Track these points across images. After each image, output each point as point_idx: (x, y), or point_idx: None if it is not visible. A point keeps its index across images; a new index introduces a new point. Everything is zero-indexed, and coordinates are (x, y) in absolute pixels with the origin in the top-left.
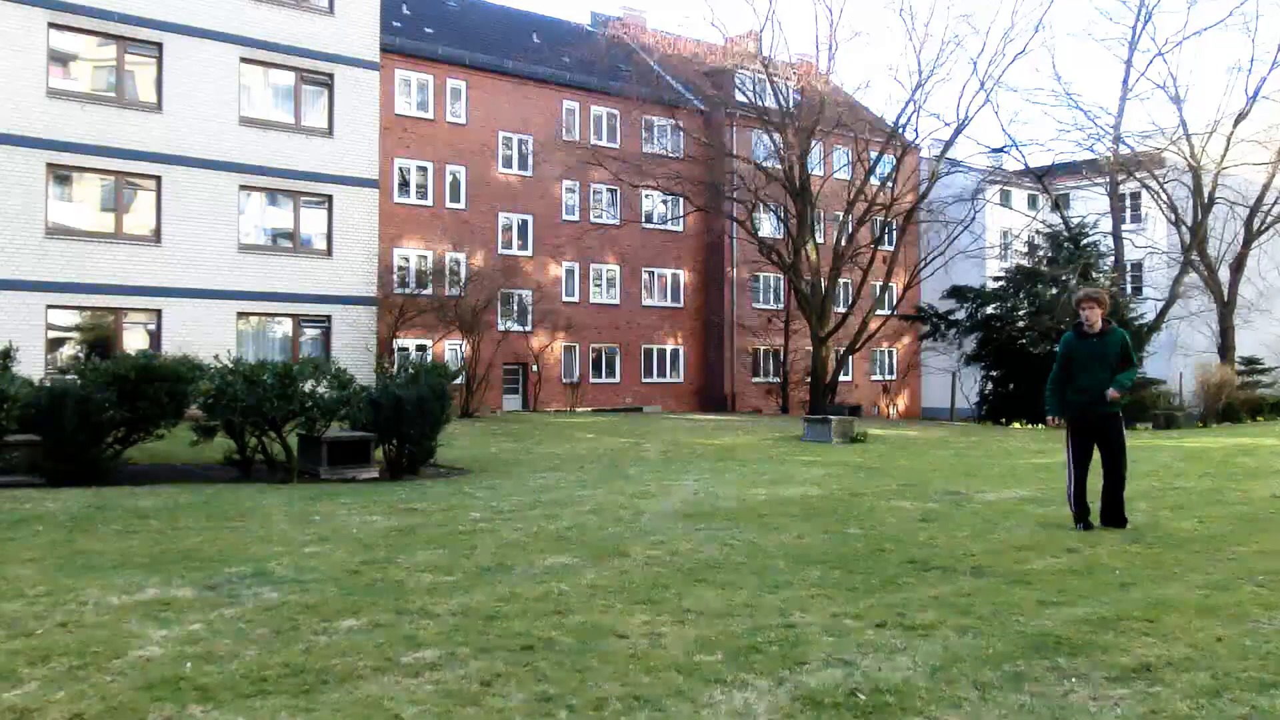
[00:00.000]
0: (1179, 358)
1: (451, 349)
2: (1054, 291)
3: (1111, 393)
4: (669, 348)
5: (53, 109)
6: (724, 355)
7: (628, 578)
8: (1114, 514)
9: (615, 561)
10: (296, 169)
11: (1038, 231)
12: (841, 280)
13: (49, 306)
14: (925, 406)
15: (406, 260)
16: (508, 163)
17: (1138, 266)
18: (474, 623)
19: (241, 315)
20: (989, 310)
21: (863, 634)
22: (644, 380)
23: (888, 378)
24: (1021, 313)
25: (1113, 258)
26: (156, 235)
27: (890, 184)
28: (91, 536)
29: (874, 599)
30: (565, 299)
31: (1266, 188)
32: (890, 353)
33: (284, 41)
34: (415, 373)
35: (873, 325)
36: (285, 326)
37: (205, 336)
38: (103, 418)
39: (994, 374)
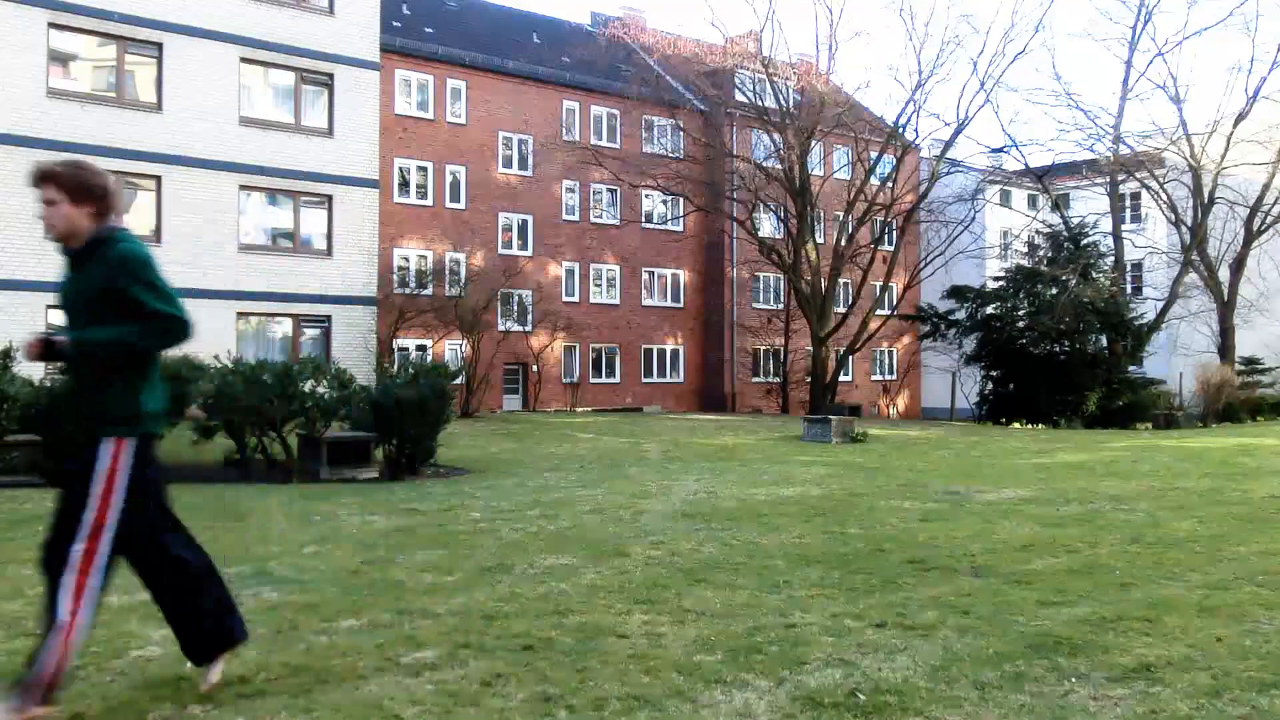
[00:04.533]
0: (1179, 358)
1: (451, 349)
2: (1054, 291)
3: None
4: (669, 348)
5: (53, 109)
6: (724, 355)
7: (628, 578)
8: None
9: (615, 561)
10: (296, 169)
11: (1038, 231)
12: (841, 280)
13: (49, 306)
14: (925, 406)
15: (406, 260)
16: (508, 163)
17: (1138, 266)
18: (474, 623)
19: (241, 315)
20: (989, 310)
21: (863, 634)
22: (644, 380)
23: (888, 378)
24: (1021, 313)
25: (1113, 258)
26: (156, 235)
27: (890, 184)
28: None
29: (874, 599)
30: (565, 299)
31: (1266, 188)
32: (890, 353)
33: (284, 41)
34: (415, 373)
35: (873, 325)
36: (285, 326)
37: (205, 336)
38: None
39: (994, 374)
